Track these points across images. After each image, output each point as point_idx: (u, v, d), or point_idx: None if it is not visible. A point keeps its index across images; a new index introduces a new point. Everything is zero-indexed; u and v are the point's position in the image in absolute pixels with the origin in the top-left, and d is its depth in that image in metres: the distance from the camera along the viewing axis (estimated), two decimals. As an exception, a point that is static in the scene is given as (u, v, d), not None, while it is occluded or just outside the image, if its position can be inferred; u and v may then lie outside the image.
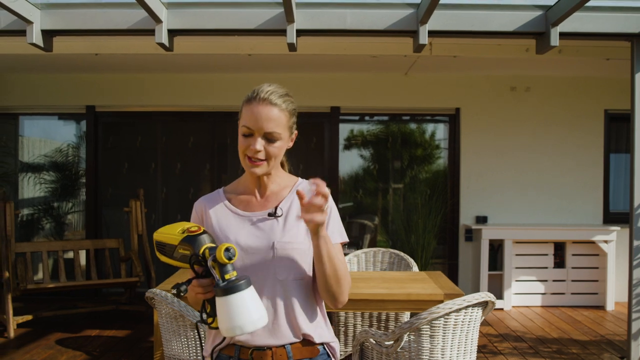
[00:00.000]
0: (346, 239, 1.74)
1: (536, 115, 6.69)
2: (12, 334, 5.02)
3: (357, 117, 6.95)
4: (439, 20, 4.17)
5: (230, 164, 6.85)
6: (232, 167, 6.82)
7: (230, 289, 1.40)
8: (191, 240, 1.49)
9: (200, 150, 6.86)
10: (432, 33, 4.20)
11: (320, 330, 1.69)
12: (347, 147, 6.89)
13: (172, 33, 4.31)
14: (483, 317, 3.01)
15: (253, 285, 1.49)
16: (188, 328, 2.98)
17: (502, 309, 6.13)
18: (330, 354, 1.73)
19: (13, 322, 5.05)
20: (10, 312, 5.04)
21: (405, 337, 2.86)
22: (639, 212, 4.32)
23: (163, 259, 1.58)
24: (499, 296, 6.22)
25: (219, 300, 1.42)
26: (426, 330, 2.82)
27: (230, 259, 1.42)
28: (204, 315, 1.54)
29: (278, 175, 1.76)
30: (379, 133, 6.98)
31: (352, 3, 4.25)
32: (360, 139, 6.95)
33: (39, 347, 4.78)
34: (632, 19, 4.25)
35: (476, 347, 3.00)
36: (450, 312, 2.79)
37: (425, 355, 2.85)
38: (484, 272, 6.20)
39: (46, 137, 7.10)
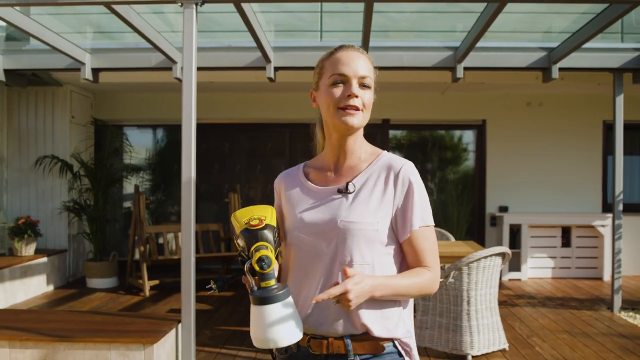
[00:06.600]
0: (428, 223, 1.49)
1: (548, 125, 7.86)
2: (147, 293, 6.63)
3: (402, 127, 8.43)
4: (471, 59, 5.64)
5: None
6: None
7: (264, 299, 1.26)
8: (247, 234, 1.36)
9: (277, 155, 8.29)
10: (466, 69, 5.68)
11: (387, 323, 1.45)
12: (393, 150, 8.30)
13: (276, 69, 5.89)
14: (503, 265, 4.55)
15: (309, 272, 1.40)
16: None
17: (519, 279, 7.52)
18: (404, 352, 1.48)
19: (148, 285, 6.68)
20: (146, 277, 6.66)
21: (452, 275, 4.40)
22: (619, 199, 5.80)
23: (235, 242, 1.47)
24: (517, 269, 7.56)
25: (253, 309, 1.29)
26: (465, 270, 4.34)
27: (263, 269, 1.28)
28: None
29: (362, 148, 1.57)
30: (420, 139, 8.36)
31: (407, 47, 5.75)
32: (405, 143, 8.40)
33: (170, 301, 6.35)
34: (613, 57, 5.67)
35: (497, 284, 4.49)
36: (481, 258, 4.31)
37: (465, 287, 4.36)
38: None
39: (147, 145, 8.68)
